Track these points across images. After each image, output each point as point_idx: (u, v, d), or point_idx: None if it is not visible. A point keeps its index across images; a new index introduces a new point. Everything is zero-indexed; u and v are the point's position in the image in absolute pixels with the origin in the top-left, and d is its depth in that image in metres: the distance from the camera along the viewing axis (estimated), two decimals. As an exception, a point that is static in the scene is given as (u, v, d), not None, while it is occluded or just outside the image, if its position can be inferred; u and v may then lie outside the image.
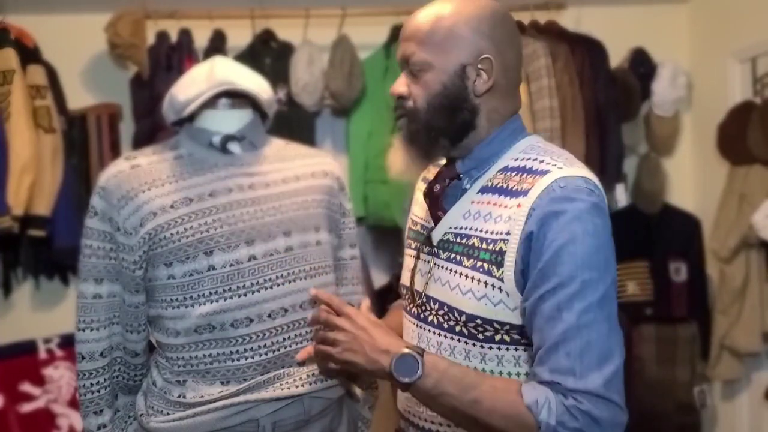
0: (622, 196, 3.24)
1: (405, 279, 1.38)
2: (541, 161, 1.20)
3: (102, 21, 3.02)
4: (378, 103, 3.17)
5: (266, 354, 1.50)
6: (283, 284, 1.51)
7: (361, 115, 3.22)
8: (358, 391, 1.71)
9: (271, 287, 1.50)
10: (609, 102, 3.18)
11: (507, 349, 1.20)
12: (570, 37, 3.20)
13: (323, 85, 3.13)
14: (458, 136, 1.25)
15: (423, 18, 1.24)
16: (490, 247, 1.18)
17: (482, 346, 1.20)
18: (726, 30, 3.31)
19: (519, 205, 1.16)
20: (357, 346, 1.21)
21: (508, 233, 1.16)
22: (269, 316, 1.50)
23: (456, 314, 1.21)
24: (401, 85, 1.26)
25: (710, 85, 3.41)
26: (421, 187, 1.45)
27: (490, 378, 1.17)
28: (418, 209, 1.41)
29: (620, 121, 3.26)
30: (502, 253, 1.16)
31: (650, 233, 3.35)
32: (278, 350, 1.51)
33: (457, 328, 1.22)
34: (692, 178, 3.57)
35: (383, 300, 3.06)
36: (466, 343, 1.21)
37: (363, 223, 3.21)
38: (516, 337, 1.19)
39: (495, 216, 1.19)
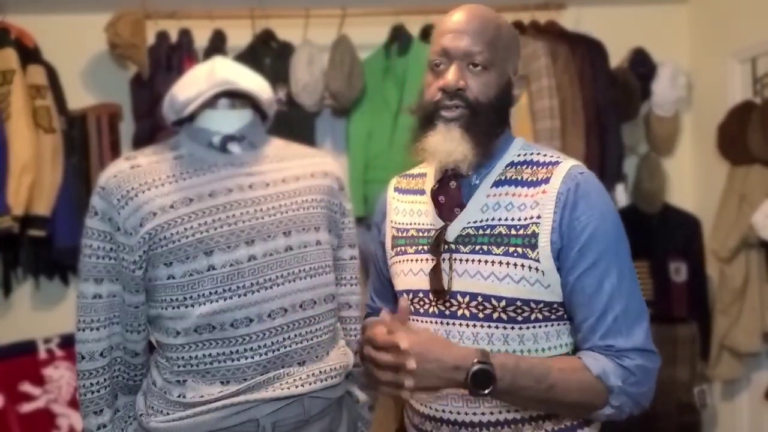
0: (622, 196, 3.24)
1: (410, 283, 1.39)
2: (545, 155, 1.34)
3: (102, 21, 3.03)
4: (378, 103, 3.17)
5: (266, 354, 1.50)
6: (282, 284, 1.51)
7: (361, 115, 3.22)
8: (357, 391, 1.71)
9: (271, 287, 1.50)
10: (609, 102, 3.18)
11: (540, 326, 1.30)
12: (570, 37, 3.20)
13: (323, 85, 3.13)
14: (496, 138, 1.35)
15: (486, 20, 1.32)
16: (521, 232, 1.27)
17: (520, 328, 1.29)
18: (726, 30, 3.31)
19: (544, 191, 1.28)
20: (427, 374, 1.17)
21: (539, 217, 1.27)
22: (269, 316, 1.50)
23: (494, 301, 1.28)
24: (460, 78, 1.30)
25: (710, 85, 3.41)
26: (396, 196, 1.51)
27: (553, 361, 1.25)
28: (402, 216, 1.47)
29: (620, 121, 3.26)
30: (535, 235, 1.27)
31: (650, 233, 3.36)
32: (278, 350, 1.51)
33: (495, 315, 1.29)
34: (692, 178, 3.57)
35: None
36: (504, 328, 1.29)
37: (363, 223, 3.21)
38: (546, 314, 1.29)
39: (518, 204, 1.29)
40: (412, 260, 1.40)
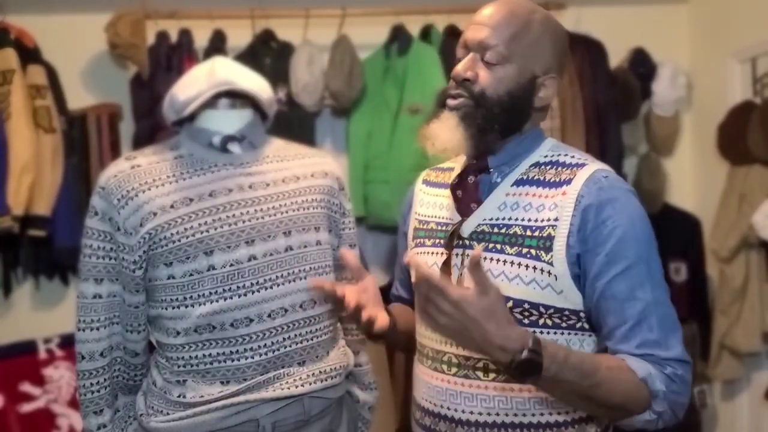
0: (622, 196, 3.23)
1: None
2: (572, 156, 1.30)
3: (102, 21, 3.02)
4: (378, 103, 3.17)
5: (266, 354, 1.50)
6: (283, 284, 1.51)
7: (361, 115, 3.22)
8: (358, 391, 1.71)
9: (271, 287, 1.50)
10: (609, 102, 3.18)
11: (547, 333, 1.25)
12: (570, 37, 3.20)
13: (323, 85, 3.13)
14: (506, 135, 1.31)
15: (512, 14, 1.28)
16: (536, 233, 1.24)
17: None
18: (726, 30, 3.31)
19: (564, 193, 1.24)
20: (466, 334, 1.10)
21: (556, 219, 1.23)
22: (269, 316, 1.50)
23: None
24: (469, 69, 1.28)
25: (710, 85, 3.41)
26: (423, 188, 1.49)
27: (602, 359, 1.21)
28: (426, 209, 1.44)
29: (620, 121, 3.26)
30: (550, 238, 1.23)
31: (650, 233, 3.35)
32: (278, 350, 1.51)
33: None
34: (692, 178, 3.57)
35: (383, 300, 3.05)
36: None
37: (363, 223, 3.21)
38: (557, 321, 1.25)
39: (536, 205, 1.26)
40: (428, 253, 1.38)
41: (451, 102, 1.29)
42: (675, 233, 3.35)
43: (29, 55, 2.98)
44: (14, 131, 2.85)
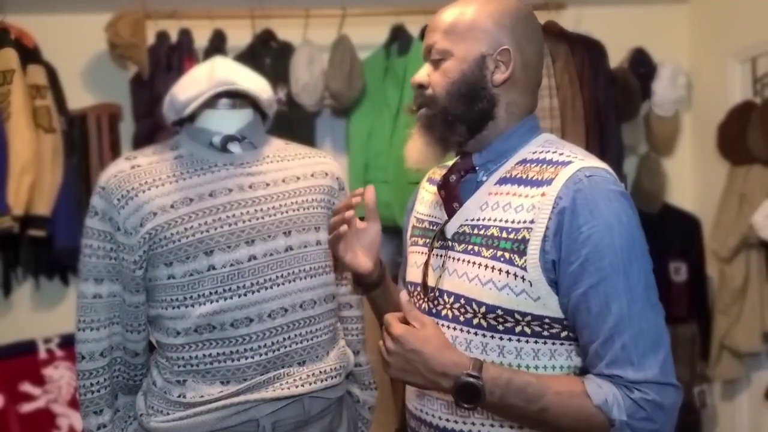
0: (622, 196, 3.23)
1: (413, 276, 1.37)
2: (561, 153, 1.23)
3: (102, 21, 3.03)
4: (378, 103, 3.17)
5: (266, 354, 1.50)
6: (283, 284, 1.51)
7: (361, 115, 3.22)
8: (358, 391, 1.72)
9: (271, 287, 1.50)
10: (609, 102, 3.17)
11: (527, 341, 1.19)
12: (570, 37, 3.19)
13: (323, 85, 3.13)
14: (476, 126, 1.27)
15: (448, 11, 1.28)
16: (512, 236, 1.18)
17: (501, 338, 1.20)
18: (726, 30, 3.31)
19: (543, 194, 1.17)
20: (410, 368, 1.16)
21: (532, 221, 1.17)
22: (269, 316, 1.50)
23: (474, 306, 1.21)
24: (422, 75, 1.29)
25: (710, 85, 3.41)
26: (426, 186, 1.47)
27: (552, 382, 1.15)
28: (424, 207, 1.42)
29: (620, 121, 3.25)
30: (525, 241, 1.17)
31: (650, 233, 3.33)
32: (278, 350, 1.51)
33: (475, 321, 1.21)
34: (692, 178, 3.57)
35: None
36: (484, 335, 1.21)
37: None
38: (536, 329, 1.19)
39: (515, 205, 1.20)
40: (419, 252, 1.36)
41: (418, 114, 1.30)
42: (675, 233, 3.35)
43: (29, 55, 2.98)
44: (14, 131, 2.85)
